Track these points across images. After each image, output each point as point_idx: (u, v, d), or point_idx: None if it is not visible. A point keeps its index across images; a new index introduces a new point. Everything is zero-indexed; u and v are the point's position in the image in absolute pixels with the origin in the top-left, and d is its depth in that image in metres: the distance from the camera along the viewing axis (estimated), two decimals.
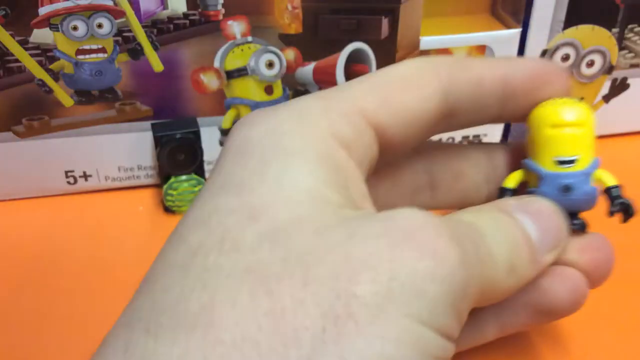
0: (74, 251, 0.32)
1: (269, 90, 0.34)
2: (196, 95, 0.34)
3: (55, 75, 0.32)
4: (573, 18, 0.35)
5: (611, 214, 0.22)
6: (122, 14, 0.31)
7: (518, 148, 0.23)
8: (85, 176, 0.35)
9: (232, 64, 0.33)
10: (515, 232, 0.19)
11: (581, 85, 0.38)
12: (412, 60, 0.20)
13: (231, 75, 0.33)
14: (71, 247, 0.33)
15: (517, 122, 0.22)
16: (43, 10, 0.30)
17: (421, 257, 0.15)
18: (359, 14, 0.33)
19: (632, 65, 0.37)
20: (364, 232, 0.16)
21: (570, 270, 0.21)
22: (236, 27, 0.32)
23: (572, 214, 0.21)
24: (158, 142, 0.33)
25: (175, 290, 0.15)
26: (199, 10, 0.32)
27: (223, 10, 0.32)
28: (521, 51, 0.36)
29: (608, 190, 0.21)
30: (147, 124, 0.34)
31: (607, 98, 0.38)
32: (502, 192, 0.21)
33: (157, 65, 0.33)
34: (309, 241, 0.15)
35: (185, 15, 0.32)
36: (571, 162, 0.20)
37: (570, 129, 0.20)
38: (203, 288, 0.15)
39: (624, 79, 0.38)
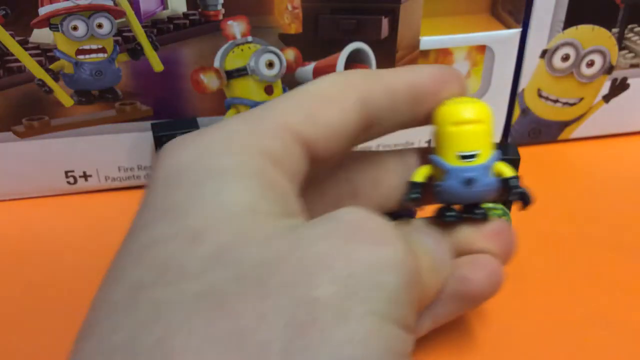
0: (74, 251, 0.32)
1: (269, 90, 0.34)
2: (196, 95, 0.34)
3: (55, 75, 0.32)
4: (573, 18, 0.35)
5: (510, 202, 0.24)
6: (122, 14, 0.31)
7: (429, 151, 0.24)
8: (85, 176, 0.35)
9: (232, 64, 0.33)
10: (428, 239, 0.22)
11: (581, 85, 0.38)
12: (330, 76, 0.21)
13: (231, 75, 0.33)
14: (71, 247, 0.33)
15: (425, 125, 0.23)
16: (43, 10, 0.30)
17: (374, 248, 0.15)
18: (359, 14, 0.33)
19: (632, 65, 0.37)
20: (312, 235, 0.16)
21: (483, 257, 0.23)
22: (236, 27, 0.32)
23: (475, 205, 0.23)
24: (158, 142, 0.33)
25: (125, 329, 0.15)
26: (199, 10, 0.32)
27: (223, 10, 0.32)
28: (521, 51, 0.36)
29: (506, 181, 0.22)
30: (147, 124, 0.34)
31: (607, 98, 0.38)
32: (411, 186, 0.23)
33: (157, 65, 0.33)
34: (258, 255, 0.15)
35: (185, 15, 0.32)
36: (472, 156, 0.21)
37: (469, 126, 0.21)
38: (155, 322, 0.14)
39: (624, 79, 0.38)
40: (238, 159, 0.17)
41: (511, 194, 0.22)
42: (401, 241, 0.16)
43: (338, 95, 0.20)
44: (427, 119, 0.23)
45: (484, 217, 0.23)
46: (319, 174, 0.23)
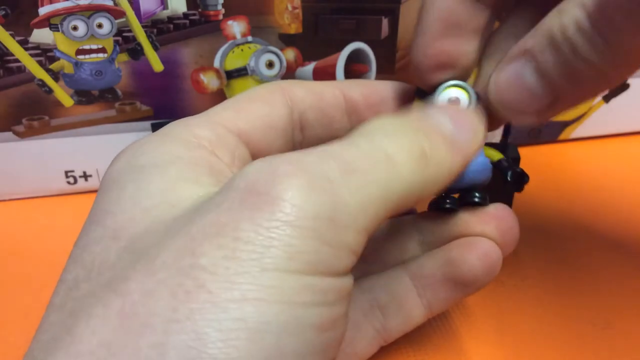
0: None
1: None
2: (196, 95, 0.34)
3: (55, 75, 0.32)
4: None
5: (509, 182, 0.22)
6: (122, 14, 0.31)
7: None
8: (85, 176, 0.35)
9: (232, 64, 0.33)
10: (422, 123, 0.19)
11: None
12: (257, 86, 0.23)
13: (231, 75, 0.33)
14: (71, 247, 0.33)
15: None
16: (43, 10, 0.30)
17: (260, 209, 0.15)
18: (359, 14, 0.33)
19: None
20: (205, 207, 0.16)
21: (478, 239, 0.22)
22: (236, 27, 0.32)
23: (473, 189, 0.22)
24: None
25: (53, 328, 0.16)
26: (199, 10, 0.32)
27: (223, 10, 0.32)
28: None
29: (499, 163, 0.22)
30: (147, 124, 0.34)
31: (607, 98, 0.38)
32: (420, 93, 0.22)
33: (157, 65, 0.33)
34: (157, 238, 0.16)
35: (185, 15, 0.32)
36: None
37: None
38: (70, 317, 0.15)
39: None
40: (162, 151, 0.18)
41: (510, 175, 0.22)
42: (300, 188, 0.15)
43: (264, 94, 0.22)
44: None
45: (483, 202, 0.22)
46: None
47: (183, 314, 0.14)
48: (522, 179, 0.22)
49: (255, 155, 0.21)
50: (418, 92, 0.23)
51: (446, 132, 0.19)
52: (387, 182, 0.17)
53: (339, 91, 0.23)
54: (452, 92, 0.21)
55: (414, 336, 0.27)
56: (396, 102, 0.23)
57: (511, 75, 0.20)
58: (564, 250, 0.32)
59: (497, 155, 0.22)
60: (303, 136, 0.23)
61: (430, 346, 0.27)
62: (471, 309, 0.29)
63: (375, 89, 0.23)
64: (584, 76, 0.18)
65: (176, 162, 0.18)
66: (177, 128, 0.20)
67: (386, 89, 0.23)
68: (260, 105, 0.22)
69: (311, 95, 0.23)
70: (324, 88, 0.23)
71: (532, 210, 0.35)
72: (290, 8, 0.32)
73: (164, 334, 0.14)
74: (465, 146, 0.19)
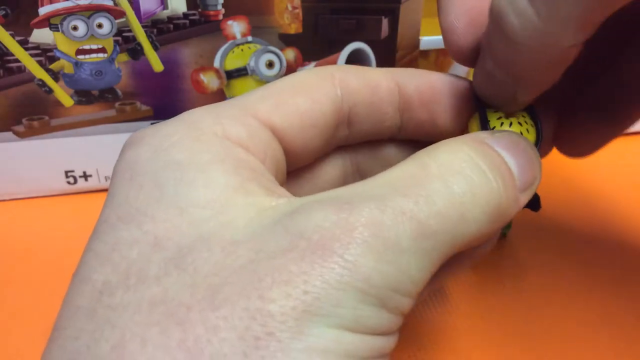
0: (74, 251, 0.32)
1: None
2: (196, 95, 0.34)
3: (55, 75, 0.32)
4: None
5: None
6: (122, 14, 0.31)
7: None
8: (85, 176, 0.35)
9: (232, 64, 0.33)
10: (501, 165, 0.18)
11: None
12: (307, 69, 0.21)
13: (231, 75, 0.33)
14: (71, 247, 0.33)
15: (418, 139, 0.22)
16: (43, 10, 0.30)
17: (332, 267, 0.15)
18: (359, 14, 0.33)
19: None
20: (270, 247, 0.15)
21: None
22: (236, 27, 0.32)
23: None
24: None
25: (85, 335, 0.15)
26: (199, 10, 0.32)
27: (223, 10, 0.32)
28: None
29: None
30: (147, 124, 0.34)
31: None
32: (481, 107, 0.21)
33: (157, 65, 0.33)
34: (215, 262, 0.15)
35: (185, 15, 0.32)
36: None
37: None
38: (112, 329, 0.14)
39: None
40: (197, 148, 0.17)
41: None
42: (370, 252, 0.15)
43: (311, 85, 0.20)
44: (416, 131, 0.22)
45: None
46: (312, 165, 0.22)
47: (254, 359, 0.14)
48: (537, 201, 0.21)
49: (287, 152, 0.20)
50: (478, 104, 0.21)
51: (515, 180, 0.18)
52: (455, 240, 0.16)
53: (394, 84, 0.21)
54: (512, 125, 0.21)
55: (414, 336, 0.27)
56: (450, 99, 0.21)
57: (478, 68, 0.20)
58: (563, 250, 0.32)
59: None
60: (349, 131, 0.22)
61: (430, 346, 0.27)
62: (471, 309, 0.29)
63: (430, 83, 0.21)
64: (528, 50, 0.17)
65: (218, 165, 0.17)
66: (206, 120, 0.18)
67: (441, 83, 0.21)
68: (304, 100, 0.20)
69: (366, 88, 0.21)
70: (380, 79, 0.21)
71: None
72: (290, 8, 0.32)
73: None
74: (522, 198, 0.18)
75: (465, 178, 0.17)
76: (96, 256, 0.16)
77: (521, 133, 0.21)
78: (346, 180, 0.23)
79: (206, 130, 0.18)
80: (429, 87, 0.21)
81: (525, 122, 0.21)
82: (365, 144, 0.23)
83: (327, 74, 0.20)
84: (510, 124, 0.21)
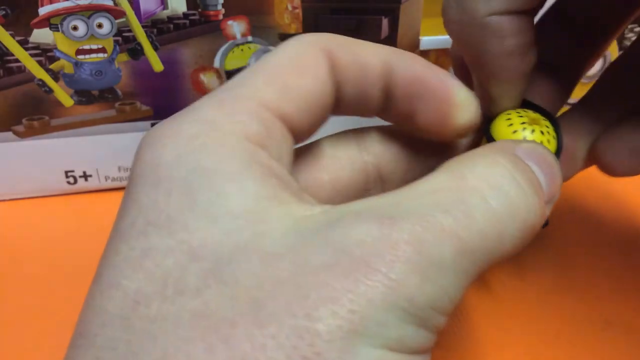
0: (74, 251, 0.32)
1: None
2: (196, 95, 0.34)
3: (55, 75, 0.32)
4: None
5: None
6: (122, 14, 0.31)
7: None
8: (85, 176, 0.35)
9: (232, 64, 0.33)
10: (534, 179, 0.17)
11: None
12: (298, 40, 0.19)
13: (231, 75, 0.33)
14: (71, 247, 0.33)
15: (400, 126, 0.22)
16: (43, 10, 0.30)
17: (376, 286, 0.14)
18: (359, 14, 0.33)
19: None
20: (313, 261, 0.15)
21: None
22: (236, 27, 0.32)
23: None
24: None
25: (121, 345, 0.14)
26: (199, 10, 0.32)
27: (223, 10, 0.32)
28: None
29: None
30: (147, 124, 0.34)
31: None
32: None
33: (157, 65, 0.33)
34: (256, 274, 0.15)
35: (185, 15, 0.32)
36: None
37: None
38: (153, 342, 0.14)
39: None
40: (224, 153, 0.16)
41: None
42: (415, 273, 0.15)
43: (309, 62, 0.19)
44: (399, 119, 0.21)
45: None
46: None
47: None
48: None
49: (294, 135, 0.19)
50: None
51: (543, 194, 0.18)
52: (491, 257, 0.16)
53: (382, 66, 0.20)
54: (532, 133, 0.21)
55: None
56: (437, 103, 0.20)
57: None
58: (563, 250, 0.32)
59: None
60: (335, 107, 0.21)
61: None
62: (471, 308, 0.29)
63: (422, 78, 0.20)
64: (457, 28, 0.20)
65: (247, 172, 0.16)
66: (222, 118, 0.17)
67: (435, 81, 0.20)
68: (307, 81, 0.19)
69: (354, 65, 0.20)
70: (371, 58, 0.20)
71: None
72: (290, 8, 0.32)
73: None
74: (548, 209, 0.18)
75: (505, 194, 0.16)
76: (125, 261, 0.15)
77: (542, 143, 0.20)
78: (367, 187, 0.23)
79: (227, 130, 0.17)
80: (417, 81, 0.20)
81: (548, 132, 0.21)
82: (368, 129, 0.23)
83: (321, 47, 0.19)
84: (533, 131, 0.20)
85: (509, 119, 0.21)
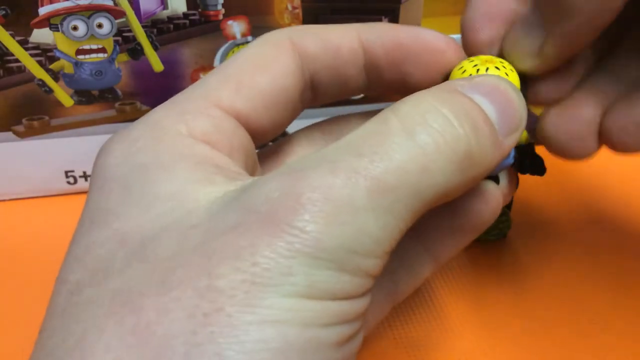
0: None
1: None
2: None
3: (55, 75, 0.32)
4: None
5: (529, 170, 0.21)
6: (122, 14, 0.31)
7: None
8: (85, 176, 0.35)
9: None
10: (472, 111, 0.17)
11: None
12: (264, 37, 0.20)
13: None
14: None
15: (391, 95, 0.21)
16: (43, 10, 0.30)
17: (280, 236, 0.14)
18: (359, 14, 0.33)
19: None
20: (222, 225, 0.15)
21: (491, 190, 0.21)
22: (236, 27, 0.32)
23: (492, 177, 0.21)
24: None
25: (58, 333, 0.15)
26: (199, 10, 0.32)
27: (223, 10, 0.32)
28: None
29: (519, 148, 0.21)
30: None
31: None
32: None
33: (157, 65, 0.33)
34: (172, 248, 0.15)
35: (185, 15, 0.32)
36: None
37: None
38: (77, 324, 0.15)
39: None
40: (161, 150, 0.17)
41: (527, 163, 0.21)
42: (320, 218, 0.15)
43: (268, 58, 0.19)
44: (385, 87, 0.21)
45: (496, 181, 0.21)
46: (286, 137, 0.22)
47: (203, 337, 0.14)
48: (541, 164, 0.21)
49: (254, 133, 0.20)
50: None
51: (492, 125, 0.17)
52: (420, 193, 0.16)
53: (357, 43, 0.20)
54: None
55: (414, 336, 0.27)
56: (421, 56, 0.20)
57: (519, 18, 0.20)
58: (563, 250, 0.32)
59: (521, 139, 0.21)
60: (314, 95, 0.21)
61: (430, 346, 0.27)
62: (470, 309, 0.29)
63: (398, 40, 0.20)
64: None
65: (181, 163, 0.17)
66: (169, 118, 0.18)
67: (410, 40, 0.20)
68: (264, 78, 0.19)
69: (326, 52, 0.20)
70: (341, 40, 0.20)
71: (531, 209, 0.35)
72: (290, 8, 0.32)
73: (185, 356, 0.13)
74: (506, 142, 0.18)
75: (427, 128, 0.16)
76: (73, 259, 0.17)
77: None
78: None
79: (170, 129, 0.18)
80: (396, 45, 0.20)
81: (504, 66, 0.20)
82: (337, 121, 0.23)
83: (284, 42, 0.20)
84: (487, 69, 0.20)
85: (461, 67, 0.20)
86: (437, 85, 0.18)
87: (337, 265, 0.15)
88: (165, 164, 0.17)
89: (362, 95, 0.22)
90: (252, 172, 0.20)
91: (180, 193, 0.16)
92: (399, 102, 0.17)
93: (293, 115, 0.21)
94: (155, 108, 0.19)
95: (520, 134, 0.18)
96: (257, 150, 0.21)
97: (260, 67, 0.19)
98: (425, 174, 0.16)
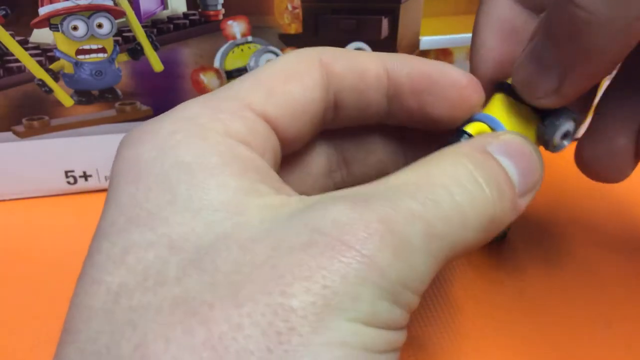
0: (74, 251, 0.32)
1: None
2: (196, 95, 0.34)
3: (55, 75, 0.32)
4: None
5: None
6: (122, 14, 0.31)
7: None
8: (85, 176, 0.35)
9: (232, 64, 0.33)
10: (499, 176, 0.18)
11: None
12: (295, 52, 0.20)
13: (231, 75, 0.33)
14: (71, 247, 0.33)
15: (407, 126, 0.22)
16: (43, 10, 0.30)
17: (349, 262, 0.15)
18: (359, 14, 0.33)
19: None
20: (289, 242, 0.15)
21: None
22: (236, 27, 0.32)
23: None
24: None
25: (104, 336, 0.15)
26: (199, 10, 0.32)
27: (223, 10, 0.32)
28: None
29: None
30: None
31: None
32: (460, 134, 0.21)
33: (157, 65, 0.33)
34: (234, 260, 0.15)
35: (185, 15, 0.32)
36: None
37: None
38: (133, 330, 0.14)
39: None
40: (203, 148, 0.17)
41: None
42: (387, 248, 0.15)
43: (300, 70, 0.20)
44: (406, 119, 0.22)
45: None
46: (299, 151, 0.22)
47: (278, 355, 0.14)
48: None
49: (281, 140, 0.20)
50: (502, 88, 0.21)
51: (514, 188, 0.18)
52: (456, 244, 0.17)
53: (383, 70, 0.21)
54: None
55: (414, 336, 0.27)
56: (445, 90, 0.21)
57: (524, 54, 0.20)
58: (563, 250, 0.32)
59: None
60: (335, 115, 0.21)
61: (431, 346, 0.27)
62: (470, 309, 0.29)
63: (424, 71, 0.21)
64: (591, 33, 0.17)
65: (226, 167, 0.17)
66: (205, 115, 0.18)
67: (437, 73, 0.21)
68: (296, 87, 0.19)
69: (352, 73, 0.20)
70: (368, 65, 0.21)
71: (531, 210, 0.35)
72: (290, 8, 0.32)
73: None
74: (522, 202, 0.19)
75: (465, 190, 0.17)
76: (108, 258, 0.16)
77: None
78: (331, 168, 0.24)
79: (208, 127, 0.17)
80: (421, 76, 0.21)
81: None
82: (351, 133, 0.23)
83: (315, 58, 0.20)
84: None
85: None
86: (467, 144, 0.19)
87: (393, 298, 0.15)
88: (210, 166, 0.16)
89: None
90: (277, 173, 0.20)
91: (230, 203, 0.16)
92: (435, 156, 0.18)
93: (315, 131, 0.21)
94: (185, 103, 0.18)
95: (533, 196, 0.19)
96: None
97: (291, 77, 0.20)
98: (462, 227, 0.17)
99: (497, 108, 0.21)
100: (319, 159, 0.23)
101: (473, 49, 0.22)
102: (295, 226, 0.16)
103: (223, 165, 0.17)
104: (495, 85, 0.22)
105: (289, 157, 0.22)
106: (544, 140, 0.21)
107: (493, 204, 0.17)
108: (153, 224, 0.16)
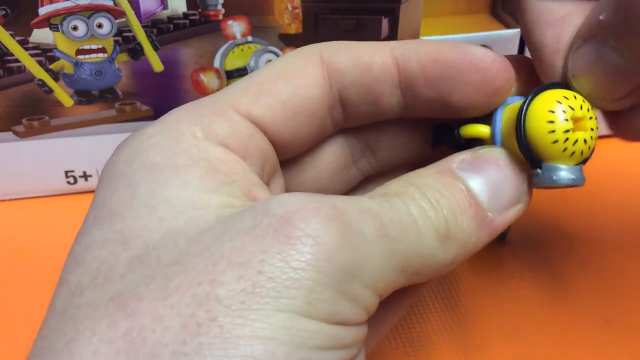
0: None
1: None
2: (196, 95, 0.34)
3: (55, 75, 0.32)
4: None
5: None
6: (122, 14, 0.31)
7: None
8: (85, 176, 0.35)
9: (232, 64, 0.33)
10: (453, 194, 0.17)
11: None
12: (295, 50, 0.20)
13: (231, 75, 0.33)
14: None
15: (431, 117, 0.20)
16: (43, 10, 0.30)
17: (292, 245, 0.14)
18: (359, 14, 0.33)
19: None
20: (233, 229, 0.15)
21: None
22: (236, 27, 0.32)
23: None
24: None
25: (51, 333, 0.15)
26: (199, 10, 0.32)
27: (223, 10, 0.32)
28: (521, 51, 0.36)
29: None
30: (147, 124, 0.34)
31: None
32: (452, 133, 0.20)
33: (157, 65, 0.33)
34: (179, 252, 0.15)
35: (185, 15, 0.32)
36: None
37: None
38: (72, 325, 0.14)
39: None
40: (174, 150, 0.17)
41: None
42: (335, 232, 0.14)
43: (294, 69, 0.19)
44: (429, 108, 0.20)
45: None
46: (311, 149, 0.22)
47: (192, 348, 0.13)
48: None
49: (275, 142, 0.19)
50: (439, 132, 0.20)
51: (479, 205, 0.18)
52: (409, 255, 0.16)
53: (391, 61, 0.19)
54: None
55: (414, 336, 0.27)
56: (467, 75, 0.19)
57: (586, 53, 0.18)
58: (564, 250, 0.32)
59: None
60: (345, 114, 0.20)
61: (430, 345, 0.27)
62: (471, 309, 0.29)
63: (438, 56, 0.19)
64: None
65: (194, 167, 0.16)
66: (186, 119, 0.18)
67: (453, 57, 0.19)
68: (286, 87, 0.19)
69: (355, 68, 0.19)
70: (374, 56, 0.19)
71: (531, 210, 0.35)
72: (290, 8, 0.32)
73: None
74: (500, 218, 0.18)
75: (418, 206, 0.17)
76: (73, 258, 0.16)
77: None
78: (354, 157, 0.22)
79: (185, 130, 0.17)
80: (435, 62, 0.19)
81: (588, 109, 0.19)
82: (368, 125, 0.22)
83: (314, 56, 0.19)
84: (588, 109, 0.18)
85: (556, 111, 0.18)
86: (439, 163, 0.18)
87: (339, 286, 0.14)
88: (176, 166, 0.16)
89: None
90: (269, 178, 0.19)
91: (188, 199, 0.16)
92: (412, 173, 0.18)
93: (320, 132, 0.20)
94: (175, 109, 0.19)
95: (521, 209, 0.18)
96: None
97: (283, 77, 0.19)
98: (418, 241, 0.16)
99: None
100: (333, 154, 0.22)
101: (534, 54, 0.20)
102: (245, 213, 0.15)
103: (190, 165, 0.16)
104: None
105: (301, 156, 0.21)
106: (531, 179, 0.19)
107: (445, 221, 0.17)
108: (111, 220, 0.16)
